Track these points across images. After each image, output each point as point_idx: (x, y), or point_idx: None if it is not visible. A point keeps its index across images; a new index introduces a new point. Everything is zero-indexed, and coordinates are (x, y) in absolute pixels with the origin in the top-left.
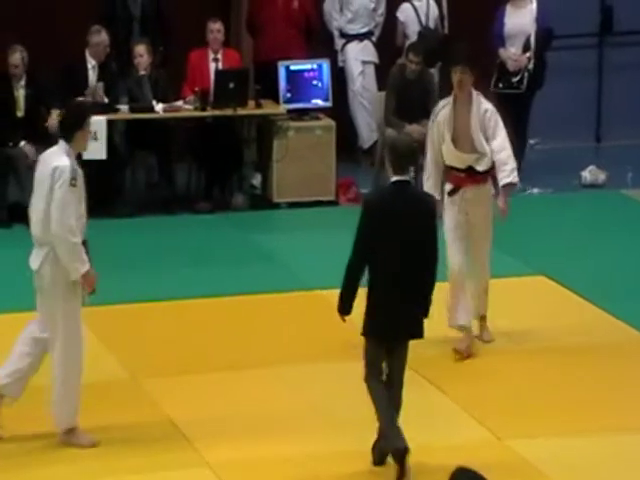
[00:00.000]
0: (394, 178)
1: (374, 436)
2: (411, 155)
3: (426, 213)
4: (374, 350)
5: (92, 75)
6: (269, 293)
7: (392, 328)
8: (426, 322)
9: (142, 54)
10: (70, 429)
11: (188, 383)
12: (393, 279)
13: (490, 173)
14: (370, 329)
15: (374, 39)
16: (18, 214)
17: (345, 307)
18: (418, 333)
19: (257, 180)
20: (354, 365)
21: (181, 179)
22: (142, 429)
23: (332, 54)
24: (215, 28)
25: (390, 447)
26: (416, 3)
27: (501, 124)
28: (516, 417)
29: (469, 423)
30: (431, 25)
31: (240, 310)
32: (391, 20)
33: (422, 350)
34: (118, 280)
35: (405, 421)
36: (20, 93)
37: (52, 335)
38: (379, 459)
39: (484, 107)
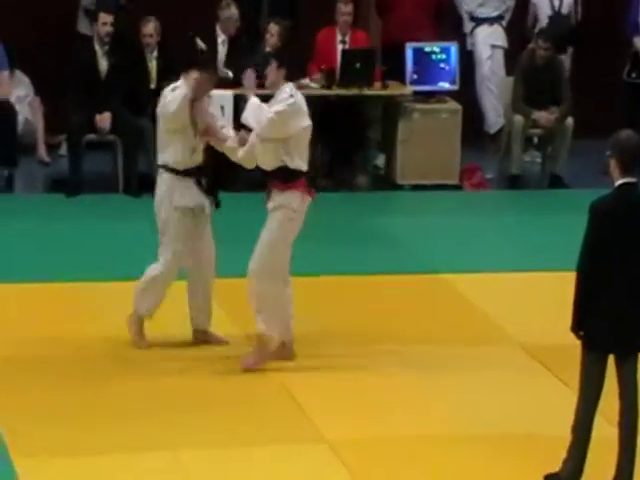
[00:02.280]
0: (622, 180)
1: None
2: None
3: None
4: (593, 366)
5: (222, 49)
6: (390, 274)
7: (622, 339)
8: None
9: (273, 34)
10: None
11: (310, 361)
12: (622, 287)
13: None
14: (593, 341)
15: (504, 23)
16: (147, 184)
17: (580, 322)
18: None
19: (381, 161)
20: (476, 350)
21: None
22: (258, 400)
23: (461, 37)
24: (346, 10)
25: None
26: None
27: None
28: None
29: None
30: (564, 10)
31: (361, 290)
32: (522, 4)
33: None
34: (239, 254)
35: None
36: (153, 64)
37: None
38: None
39: None
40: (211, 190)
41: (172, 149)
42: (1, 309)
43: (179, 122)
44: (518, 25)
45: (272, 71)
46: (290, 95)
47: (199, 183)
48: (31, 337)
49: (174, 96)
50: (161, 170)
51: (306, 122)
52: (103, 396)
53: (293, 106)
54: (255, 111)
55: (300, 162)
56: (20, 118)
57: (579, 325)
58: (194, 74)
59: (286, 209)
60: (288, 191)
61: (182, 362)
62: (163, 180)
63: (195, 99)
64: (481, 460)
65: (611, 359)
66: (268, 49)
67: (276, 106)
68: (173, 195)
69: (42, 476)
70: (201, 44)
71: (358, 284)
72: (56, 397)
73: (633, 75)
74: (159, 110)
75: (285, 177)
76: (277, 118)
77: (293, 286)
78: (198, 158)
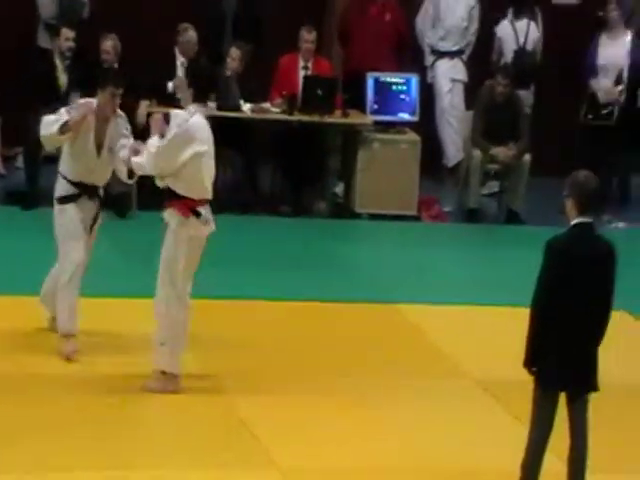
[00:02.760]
0: (578, 220)
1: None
2: (599, 197)
3: (611, 257)
4: (545, 399)
5: (181, 72)
6: (345, 302)
7: (573, 378)
8: None
9: (234, 58)
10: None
11: (264, 385)
12: (575, 325)
13: None
14: (546, 379)
15: (464, 57)
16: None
17: (534, 358)
18: (595, 386)
19: (340, 189)
20: (429, 382)
21: (264, 181)
22: (208, 423)
23: (422, 69)
24: (309, 38)
25: None
26: (516, 23)
27: None
28: None
29: None
30: (529, 47)
31: (315, 316)
32: (486, 39)
33: None
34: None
35: None
36: None
37: None
38: None
39: None
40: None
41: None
42: None
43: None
44: (479, 59)
45: (183, 89)
46: (185, 120)
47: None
48: None
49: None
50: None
51: (197, 148)
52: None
53: (179, 136)
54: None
55: (185, 188)
56: None
57: (532, 361)
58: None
59: (169, 228)
60: (169, 209)
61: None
62: None
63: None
64: None
65: (562, 396)
66: (229, 73)
67: (164, 137)
68: None
69: None
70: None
71: (313, 310)
72: None
73: (589, 116)
74: None
75: (168, 194)
76: (159, 151)
77: (248, 310)
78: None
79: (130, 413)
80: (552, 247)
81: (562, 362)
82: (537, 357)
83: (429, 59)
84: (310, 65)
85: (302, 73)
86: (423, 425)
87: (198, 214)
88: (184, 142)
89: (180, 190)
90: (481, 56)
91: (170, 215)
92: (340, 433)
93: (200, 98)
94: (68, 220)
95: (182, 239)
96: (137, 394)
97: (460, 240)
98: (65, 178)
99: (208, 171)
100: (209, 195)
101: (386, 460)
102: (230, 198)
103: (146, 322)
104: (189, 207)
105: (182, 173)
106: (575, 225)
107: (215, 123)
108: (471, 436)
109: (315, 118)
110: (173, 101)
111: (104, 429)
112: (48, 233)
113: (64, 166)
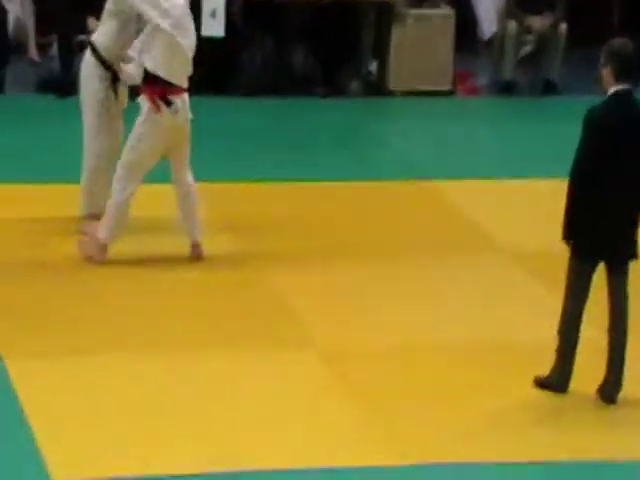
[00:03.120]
0: (616, 87)
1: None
2: (637, 63)
3: None
4: (581, 270)
5: None
6: (380, 180)
7: (610, 246)
8: None
9: None
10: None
11: (306, 266)
12: (614, 196)
13: None
14: (582, 248)
15: None
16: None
17: (572, 231)
18: (635, 253)
19: (373, 67)
20: (464, 258)
21: (297, 62)
22: (249, 302)
23: None
24: None
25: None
26: None
27: None
28: None
29: None
30: None
31: (351, 195)
32: None
33: None
34: (229, 159)
35: None
36: None
37: None
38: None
39: None
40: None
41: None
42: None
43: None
44: None
45: None
46: None
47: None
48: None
49: None
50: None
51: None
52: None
53: None
54: None
55: (155, 66)
56: (11, 16)
57: (569, 232)
58: None
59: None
60: (142, 94)
61: (164, 263)
62: None
63: None
64: (470, 367)
65: (600, 267)
66: None
67: None
68: None
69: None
70: None
71: (349, 190)
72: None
73: None
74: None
75: (143, 79)
76: None
77: (286, 191)
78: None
79: (167, 293)
80: (588, 117)
81: (599, 231)
82: (574, 228)
83: None
84: None
85: None
86: (460, 300)
87: (169, 103)
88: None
89: (150, 67)
90: None
91: (142, 100)
92: (376, 311)
93: None
94: None
95: (155, 125)
96: (172, 274)
97: (496, 113)
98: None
99: (180, 56)
100: (180, 82)
101: (423, 338)
102: (262, 80)
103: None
104: (158, 94)
105: (154, 46)
106: (613, 94)
107: (244, 4)
108: (507, 309)
109: None
110: None
111: (140, 313)
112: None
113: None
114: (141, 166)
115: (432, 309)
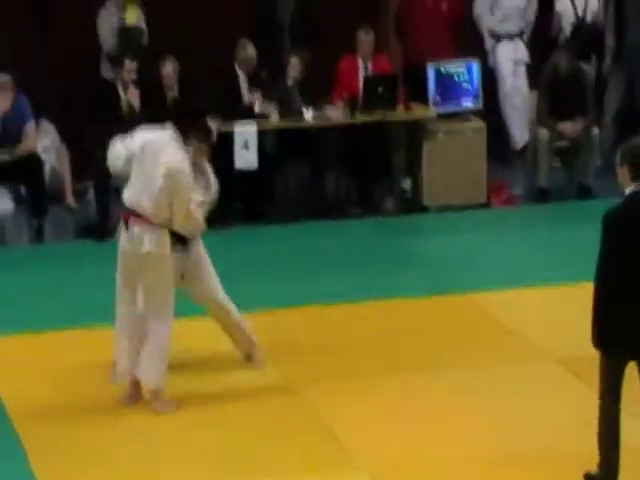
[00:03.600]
0: (632, 187)
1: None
2: None
3: None
4: (613, 368)
5: (243, 86)
6: (421, 297)
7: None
8: None
9: (294, 65)
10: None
11: (344, 388)
12: (635, 290)
13: None
14: (611, 347)
15: (525, 38)
16: None
17: (601, 338)
18: None
19: (407, 184)
20: (512, 368)
21: (331, 185)
22: (290, 428)
23: (482, 54)
24: (367, 39)
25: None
26: None
27: None
28: None
29: None
30: (589, 18)
31: (394, 314)
32: (543, 16)
33: None
34: (272, 285)
35: None
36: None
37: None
38: None
39: None
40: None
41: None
42: (51, 356)
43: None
44: (539, 38)
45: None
46: None
47: None
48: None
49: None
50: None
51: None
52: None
53: None
54: None
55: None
56: (47, 167)
57: (599, 339)
58: (193, 140)
59: None
60: None
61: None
62: None
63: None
64: (524, 477)
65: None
66: (290, 81)
67: None
68: None
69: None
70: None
71: (391, 308)
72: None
73: None
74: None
75: None
76: None
77: (328, 313)
78: None
79: (212, 422)
80: (606, 219)
81: (626, 329)
82: (603, 333)
83: (489, 43)
84: (369, 64)
85: (362, 73)
86: (509, 410)
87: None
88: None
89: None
90: (540, 35)
91: None
92: (425, 426)
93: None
94: None
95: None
96: (214, 406)
97: (532, 221)
98: None
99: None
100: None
101: (473, 449)
102: (297, 206)
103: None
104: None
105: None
106: (631, 193)
107: (278, 132)
108: (558, 418)
109: (377, 117)
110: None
111: (186, 447)
112: None
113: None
114: None
115: (481, 420)
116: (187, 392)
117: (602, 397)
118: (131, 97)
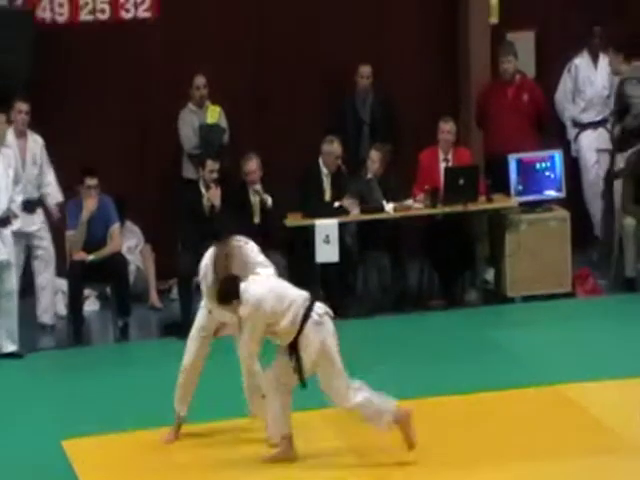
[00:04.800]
0: None
1: None
2: None
3: None
4: None
5: (326, 182)
6: (508, 389)
7: None
8: None
9: (375, 160)
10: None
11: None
12: None
13: None
14: None
15: (609, 126)
16: None
17: None
18: None
19: (490, 275)
20: (604, 461)
21: (413, 277)
22: None
23: (564, 143)
24: (448, 129)
25: None
26: None
27: None
28: None
29: None
30: None
31: (480, 407)
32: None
33: None
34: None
35: None
36: (256, 199)
37: None
38: None
39: None
40: None
41: None
42: (138, 455)
43: None
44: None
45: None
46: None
47: None
48: None
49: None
50: None
51: None
52: None
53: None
54: None
55: None
56: (132, 267)
57: None
58: None
59: None
60: None
61: None
62: None
63: None
64: None
65: None
66: (370, 175)
67: None
68: None
69: None
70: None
71: (478, 400)
72: None
73: None
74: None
75: None
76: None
77: (418, 408)
78: None
79: None
80: None
81: None
82: None
83: (572, 132)
84: (450, 156)
85: (443, 165)
86: None
87: None
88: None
89: None
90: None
91: None
92: None
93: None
94: None
95: None
96: None
97: (618, 312)
98: None
99: None
100: None
101: None
102: (381, 299)
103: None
104: None
105: None
106: None
107: (359, 226)
108: None
109: (459, 208)
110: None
111: None
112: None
113: None
114: None
115: None
116: None
117: None
118: (212, 196)
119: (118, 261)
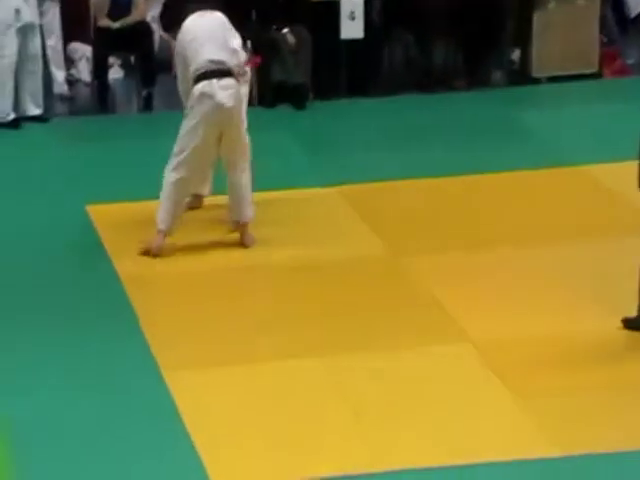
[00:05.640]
0: None
1: None
2: None
3: None
4: None
5: None
6: (530, 169)
7: None
8: None
9: None
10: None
11: (447, 260)
12: None
13: None
14: None
15: None
16: (282, 94)
17: None
18: None
19: (516, 55)
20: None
21: (438, 56)
22: (401, 305)
23: None
24: None
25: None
26: None
27: None
28: None
29: None
30: None
31: (502, 187)
32: None
33: None
34: (375, 159)
35: None
36: None
37: None
38: None
39: None
40: None
41: None
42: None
43: None
44: None
45: None
46: None
47: None
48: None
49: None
50: None
51: None
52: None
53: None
54: None
55: None
56: (156, 37)
57: None
58: None
59: None
60: None
61: (313, 270)
62: None
63: None
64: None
65: None
66: None
67: None
68: None
69: (194, 387)
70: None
71: (500, 181)
72: (203, 312)
73: None
74: None
75: None
76: None
77: (435, 186)
78: None
79: (323, 299)
80: None
81: None
82: None
83: None
84: None
85: None
86: (621, 289)
87: None
88: None
89: None
90: None
91: None
92: (535, 303)
93: None
94: None
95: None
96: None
97: None
98: None
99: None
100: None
101: (582, 326)
102: (403, 78)
103: (333, 212)
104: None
105: None
106: None
107: (385, 2)
108: None
109: None
110: None
111: (288, 318)
112: None
113: None
114: None
115: (595, 295)
116: (288, 261)
117: None
118: None
119: (143, 30)
